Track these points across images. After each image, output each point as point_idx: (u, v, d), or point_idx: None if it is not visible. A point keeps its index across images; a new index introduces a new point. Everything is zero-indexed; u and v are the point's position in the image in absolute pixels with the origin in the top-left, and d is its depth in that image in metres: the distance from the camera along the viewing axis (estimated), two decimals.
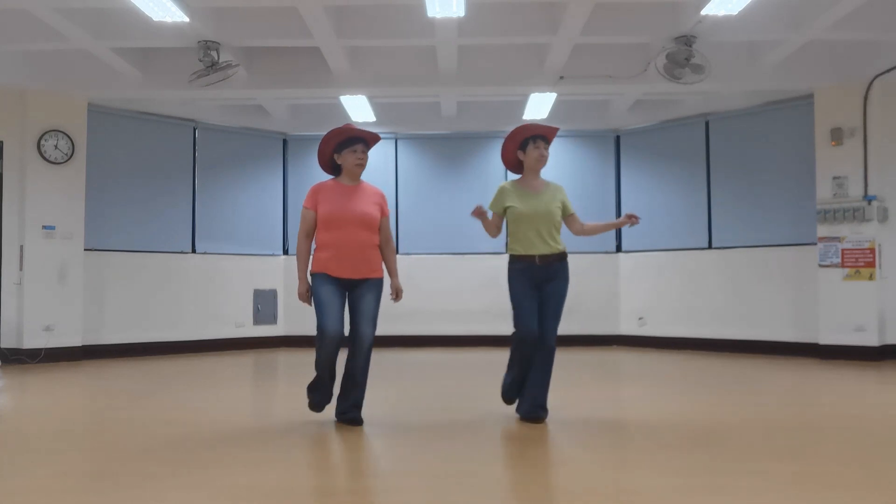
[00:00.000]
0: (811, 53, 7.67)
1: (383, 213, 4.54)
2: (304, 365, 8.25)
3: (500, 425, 4.55)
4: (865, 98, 7.81)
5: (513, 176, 4.85)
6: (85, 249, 8.38)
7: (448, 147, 10.29)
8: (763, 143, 8.79)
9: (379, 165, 10.20)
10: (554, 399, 5.32)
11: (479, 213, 4.57)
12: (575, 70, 8.02)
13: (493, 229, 4.70)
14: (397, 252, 10.03)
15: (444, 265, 10.02)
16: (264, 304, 9.98)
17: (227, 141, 9.83)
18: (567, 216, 4.72)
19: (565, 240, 4.70)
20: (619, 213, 10.02)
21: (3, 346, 7.88)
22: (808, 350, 8.10)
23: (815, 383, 6.40)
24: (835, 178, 7.95)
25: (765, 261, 8.68)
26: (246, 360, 8.66)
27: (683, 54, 7.12)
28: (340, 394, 4.49)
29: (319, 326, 4.24)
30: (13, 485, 3.20)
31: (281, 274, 10.14)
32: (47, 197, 8.10)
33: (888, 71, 7.57)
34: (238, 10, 7.05)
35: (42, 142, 8.07)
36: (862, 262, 7.75)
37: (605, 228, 4.95)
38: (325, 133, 4.45)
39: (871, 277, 7.71)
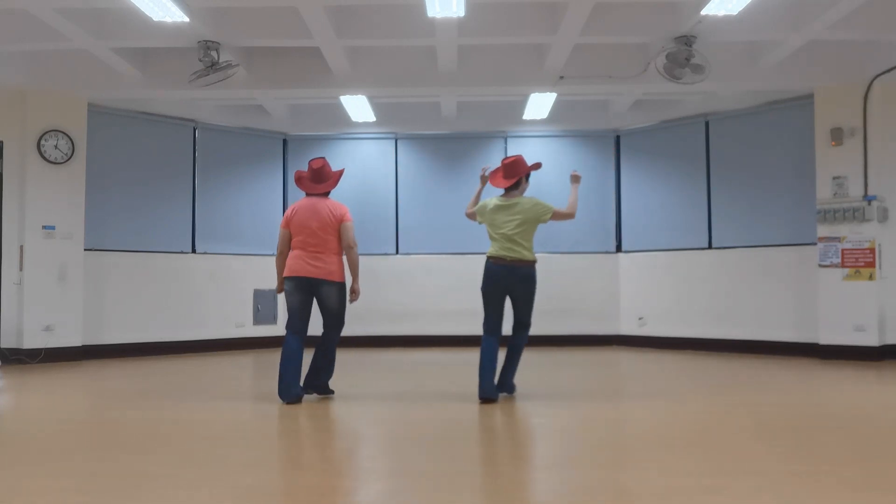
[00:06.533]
0: (811, 53, 7.67)
1: None
2: (303, 365, 8.24)
3: (498, 425, 4.56)
4: (865, 98, 7.81)
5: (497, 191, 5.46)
6: (85, 249, 8.37)
7: (448, 147, 10.28)
8: (763, 143, 8.79)
9: (378, 165, 10.22)
10: (553, 399, 5.32)
11: None
12: (575, 70, 8.02)
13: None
14: (398, 252, 10.10)
15: (443, 265, 10.02)
16: (264, 304, 9.98)
17: (227, 141, 9.83)
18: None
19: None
20: (618, 213, 10.03)
21: (3, 346, 7.88)
22: (808, 350, 8.10)
23: (815, 383, 6.40)
24: (835, 178, 7.95)
25: (765, 261, 8.67)
26: (246, 360, 8.65)
27: (683, 54, 7.12)
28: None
29: None
30: (13, 485, 3.20)
31: None
32: (47, 197, 8.10)
33: (888, 71, 7.57)
34: (238, 10, 7.04)
35: (42, 142, 8.07)
36: (862, 262, 7.75)
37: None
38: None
39: (870, 277, 7.71)
